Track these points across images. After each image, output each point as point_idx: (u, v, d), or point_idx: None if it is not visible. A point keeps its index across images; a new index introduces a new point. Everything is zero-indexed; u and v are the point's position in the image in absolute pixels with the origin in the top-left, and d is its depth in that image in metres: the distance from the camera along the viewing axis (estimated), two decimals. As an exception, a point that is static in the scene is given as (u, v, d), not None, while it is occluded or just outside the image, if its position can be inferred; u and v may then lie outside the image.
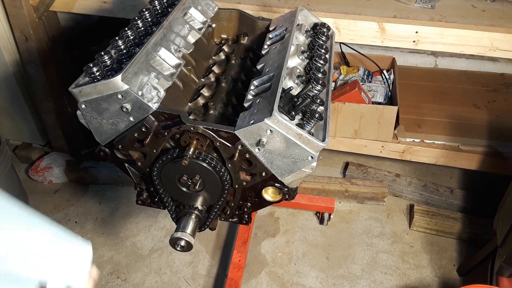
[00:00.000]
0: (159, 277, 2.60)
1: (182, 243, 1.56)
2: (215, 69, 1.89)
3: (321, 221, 2.84)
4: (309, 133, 1.35)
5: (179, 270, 2.64)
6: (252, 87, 1.52)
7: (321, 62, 1.62)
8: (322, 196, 2.88)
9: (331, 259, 2.67)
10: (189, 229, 1.58)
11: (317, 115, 1.36)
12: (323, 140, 1.35)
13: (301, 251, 2.72)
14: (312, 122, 1.36)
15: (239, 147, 1.39)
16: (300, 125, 1.36)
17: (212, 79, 1.86)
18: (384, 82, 3.04)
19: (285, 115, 1.36)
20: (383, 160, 3.18)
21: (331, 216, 2.79)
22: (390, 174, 3.04)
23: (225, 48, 2.01)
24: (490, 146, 2.75)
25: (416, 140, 2.83)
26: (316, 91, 1.50)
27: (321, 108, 1.46)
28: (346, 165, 3.18)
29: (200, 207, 1.62)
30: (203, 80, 1.85)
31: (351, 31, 2.48)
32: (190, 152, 1.39)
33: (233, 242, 2.68)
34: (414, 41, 2.43)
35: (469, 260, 2.52)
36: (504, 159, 2.72)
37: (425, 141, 2.82)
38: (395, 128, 2.79)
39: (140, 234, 2.82)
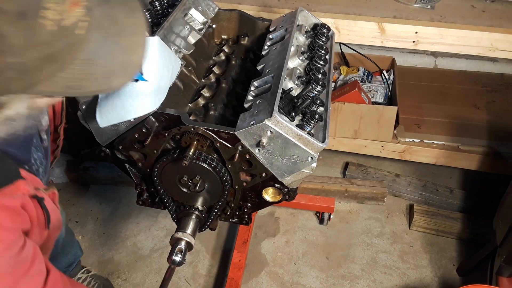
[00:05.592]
0: (159, 277, 2.60)
1: (183, 243, 1.56)
2: (216, 69, 1.88)
3: (321, 221, 2.84)
4: (309, 134, 1.35)
5: (179, 270, 2.64)
6: (252, 88, 1.53)
7: (321, 63, 1.62)
8: (322, 196, 2.88)
9: (331, 259, 2.68)
10: (189, 229, 1.58)
11: (317, 116, 1.36)
12: (323, 141, 1.35)
13: (301, 251, 2.72)
14: (312, 123, 1.36)
15: (239, 147, 1.39)
16: (300, 126, 1.36)
17: (213, 79, 1.86)
18: (384, 82, 3.05)
19: (285, 116, 1.36)
20: (383, 160, 3.18)
21: (331, 216, 2.80)
22: (390, 174, 3.05)
23: (226, 48, 2.01)
24: (490, 146, 2.75)
25: (415, 140, 2.84)
26: (316, 92, 1.50)
27: (321, 109, 1.46)
28: (346, 165, 3.18)
29: (200, 208, 1.62)
30: (203, 80, 1.85)
31: (351, 31, 2.48)
32: (191, 153, 1.39)
33: (233, 242, 2.68)
34: (413, 42, 2.44)
35: (468, 260, 2.53)
36: (503, 159, 2.73)
37: (424, 141, 2.83)
38: (395, 128, 2.80)
39: (141, 234, 2.83)
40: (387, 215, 2.92)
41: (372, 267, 2.63)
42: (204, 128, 1.38)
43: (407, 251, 2.71)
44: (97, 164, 3.11)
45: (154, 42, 1.30)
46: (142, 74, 1.26)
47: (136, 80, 1.26)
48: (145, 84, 1.26)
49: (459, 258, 2.66)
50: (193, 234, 1.58)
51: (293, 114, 1.38)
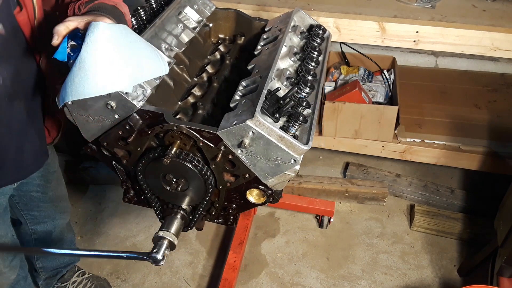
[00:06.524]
0: (159, 277, 2.60)
1: (165, 242, 1.55)
2: (209, 68, 1.88)
3: (321, 224, 2.83)
4: (293, 136, 1.33)
5: (179, 271, 2.64)
6: (240, 88, 1.52)
7: (313, 64, 1.60)
8: (322, 199, 2.87)
9: (331, 260, 2.67)
10: (173, 228, 1.57)
11: (301, 117, 1.34)
12: (306, 144, 1.33)
13: (301, 251, 2.72)
14: (297, 125, 1.35)
15: (222, 147, 1.38)
16: (284, 128, 1.35)
17: (205, 78, 1.86)
18: (384, 82, 3.03)
19: (269, 117, 1.35)
20: (384, 160, 3.17)
21: (331, 220, 2.78)
22: (390, 174, 3.03)
23: (221, 48, 2.01)
24: (491, 146, 2.73)
25: (416, 140, 2.82)
26: (304, 94, 1.49)
27: (308, 111, 1.44)
28: (347, 165, 3.17)
29: (185, 207, 1.62)
30: (195, 79, 1.85)
31: (352, 30, 2.48)
32: (173, 152, 1.38)
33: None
34: (414, 41, 2.43)
35: (469, 261, 2.51)
36: (504, 159, 2.71)
37: (425, 141, 2.81)
38: (395, 128, 2.79)
39: (140, 234, 2.83)
40: (387, 216, 2.90)
41: (372, 268, 2.62)
42: (187, 127, 1.37)
43: (408, 252, 2.69)
44: (97, 164, 3.11)
45: (94, 27, 1.28)
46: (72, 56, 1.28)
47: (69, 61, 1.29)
48: (77, 68, 1.27)
49: (460, 259, 2.65)
50: (177, 234, 1.56)
51: (277, 115, 1.37)
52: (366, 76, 3.07)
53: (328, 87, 3.03)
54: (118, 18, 1.44)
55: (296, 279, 2.58)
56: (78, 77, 1.27)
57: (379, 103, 2.90)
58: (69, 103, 1.38)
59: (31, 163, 1.70)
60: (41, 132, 1.70)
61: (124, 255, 1.56)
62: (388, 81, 3.02)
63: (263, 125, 1.29)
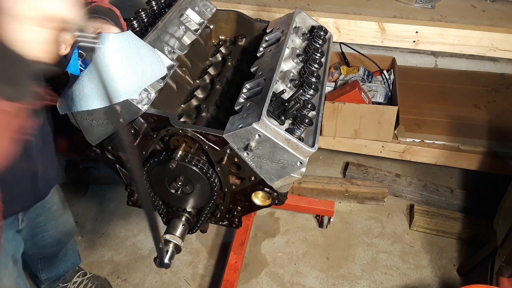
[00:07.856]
0: (159, 277, 2.61)
1: (171, 245, 1.56)
2: (211, 70, 1.88)
3: (321, 224, 2.83)
4: (299, 139, 1.33)
5: (179, 270, 2.64)
6: (244, 90, 1.51)
7: (316, 66, 1.60)
8: (322, 198, 2.87)
9: (331, 259, 2.67)
10: (178, 231, 1.57)
11: (306, 120, 1.34)
12: (312, 146, 1.33)
13: (301, 251, 2.72)
14: (302, 127, 1.35)
15: (228, 150, 1.37)
16: (290, 130, 1.35)
17: (207, 80, 1.85)
18: (384, 82, 3.04)
19: (275, 119, 1.35)
20: (383, 160, 3.17)
21: (331, 220, 2.78)
22: (390, 174, 3.04)
23: (222, 49, 2.00)
24: (490, 146, 2.74)
25: (416, 140, 2.83)
26: (308, 96, 1.49)
27: (312, 113, 1.44)
28: (346, 165, 3.17)
29: (190, 210, 1.62)
30: (198, 81, 1.85)
31: (351, 31, 2.48)
32: (178, 155, 1.38)
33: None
34: (414, 41, 2.44)
35: (469, 260, 2.52)
36: (504, 159, 2.71)
37: (425, 141, 2.82)
38: (395, 128, 2.79)
39: (140, 234, 2.83)
40: (387, 215, 2.91)
41: (372, 268, 2.62)
42: (193, 130, 1.37)
43: (408, 251, 2.70)
44: (97, 164, 3.11)
45: (105, 39, 1.27)
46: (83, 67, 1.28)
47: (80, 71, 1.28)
48: (87, 79, 1.27)
49: (459, 258, 2.65)
50: (182, 237, 1.57)
51: (283, 118, 1.37)
52: (366, 76, 3.07)
53: (328, 87, 3.03)
54: (115, 20, 1.44)
55: (296, 279, 2.59)
56: (88, 88, 1.27)
57: (379, 103, 2.91)
58: None
59: (45, 186, 1.69)
60: (52, 149, 1.70)
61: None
62: (387, 81, 3.03)
63: (270, 128, 1.28)
